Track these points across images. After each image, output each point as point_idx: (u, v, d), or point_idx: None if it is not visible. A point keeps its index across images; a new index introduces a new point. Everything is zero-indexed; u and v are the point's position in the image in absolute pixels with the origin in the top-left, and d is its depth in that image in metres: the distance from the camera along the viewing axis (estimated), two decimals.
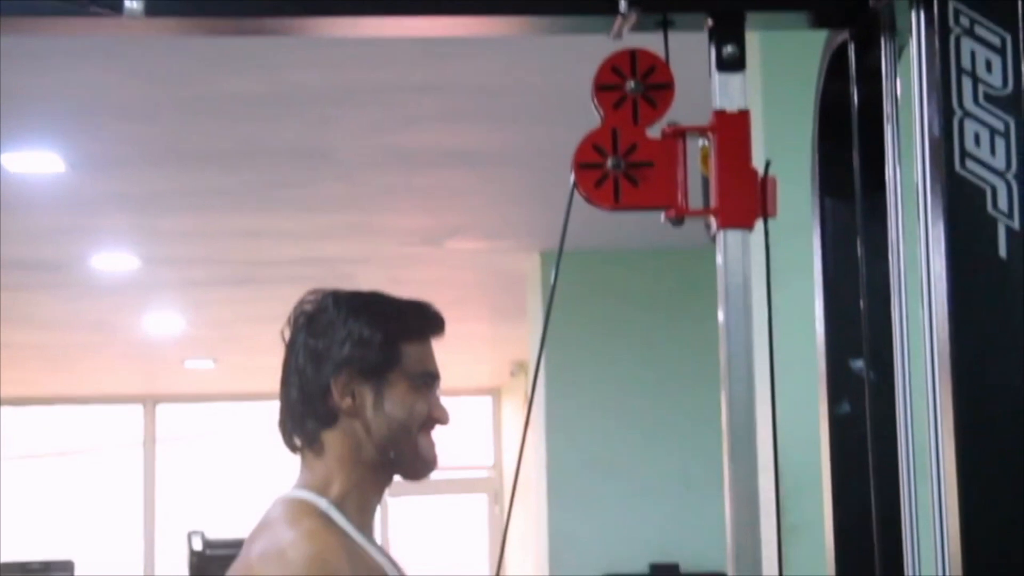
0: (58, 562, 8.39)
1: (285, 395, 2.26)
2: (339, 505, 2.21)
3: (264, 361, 9.02)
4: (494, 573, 9.80)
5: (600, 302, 5.72)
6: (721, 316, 2.46)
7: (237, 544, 5.95)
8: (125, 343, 7.89)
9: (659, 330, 5.76)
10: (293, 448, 2.27)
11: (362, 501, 2.25)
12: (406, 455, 2.24)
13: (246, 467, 9.89)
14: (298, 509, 2.18)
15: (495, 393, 9.67)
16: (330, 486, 2.22)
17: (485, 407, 9.78)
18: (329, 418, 2.22)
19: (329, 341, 2.22)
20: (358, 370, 2.21)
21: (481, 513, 10.06)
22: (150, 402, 9.91)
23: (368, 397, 2.22)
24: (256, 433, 10.03)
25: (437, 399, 2.26)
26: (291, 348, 2.26)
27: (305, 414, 2.23)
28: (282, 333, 2.28)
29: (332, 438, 2.23)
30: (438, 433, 2.27)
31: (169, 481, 10.00)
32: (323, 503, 2.19)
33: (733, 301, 2.39)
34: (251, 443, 10.00)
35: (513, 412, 9.33)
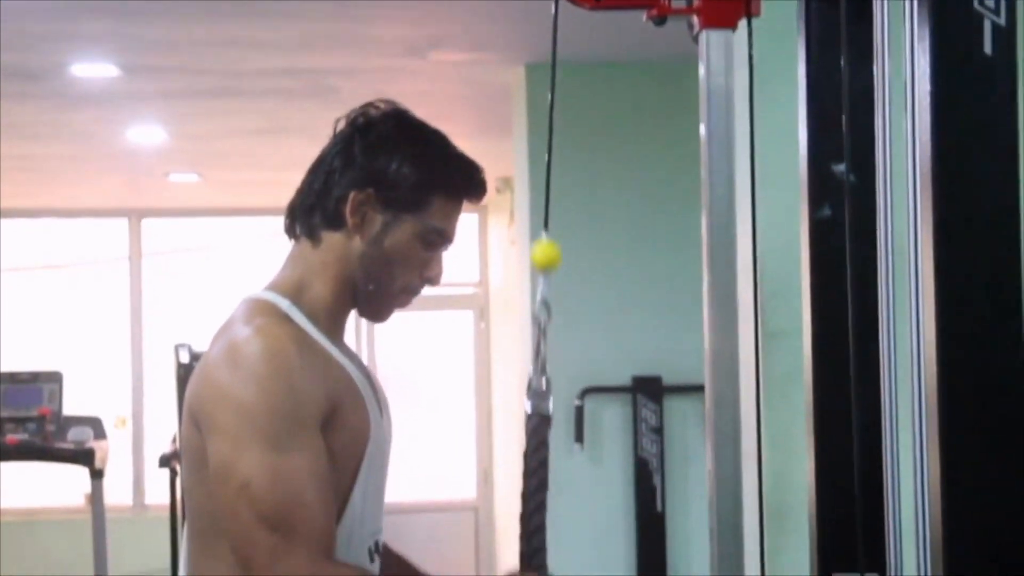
0: (46, 373, 8.45)
1: (307, 183, 2.26)
2: (309, 307, 2.21)
3: (249, 175, 9.03)
4: (481, 400, 9.91)
5: (586, 116, 5.68)
6: (703, 122, 2.45)
7: None
8: (108, 156, 7.84)
9: (646, 143, 5.74)
10: (291, 234, 2.27)
11: (334, 311, 2.26)
12: (379, 296, 2.25)
13: (232, 282, 9.91)
14: (256, 308, 2.19)
15: (481, 210, 9.66)
16: (305, 288, 2.23)
17: (470, 224, 9.78)
18: (335, 222, 2.22)
19: (371, 155, 2.21)
20: (380, 196, 2.20)
21: (467, 329, 10.11)
22: (135, 216, 9.88)
23: (375, 226, 2.21)
24: (241, 248, 10.04)
25: (438, 259, 2.25)
26: (336, 140, 2.26)
27: (316, 206, 2.23)
28: (336, 122, 2.26)
29: (330, 239, 2.23)
30: (418, 295, 2.27)
31: (155, 295, 10.03)
32: (284, 303, 2.19)
33: (715, 105, 2.38)
34: (236, 258, 10.01)
35: (499, 228, 9.33)
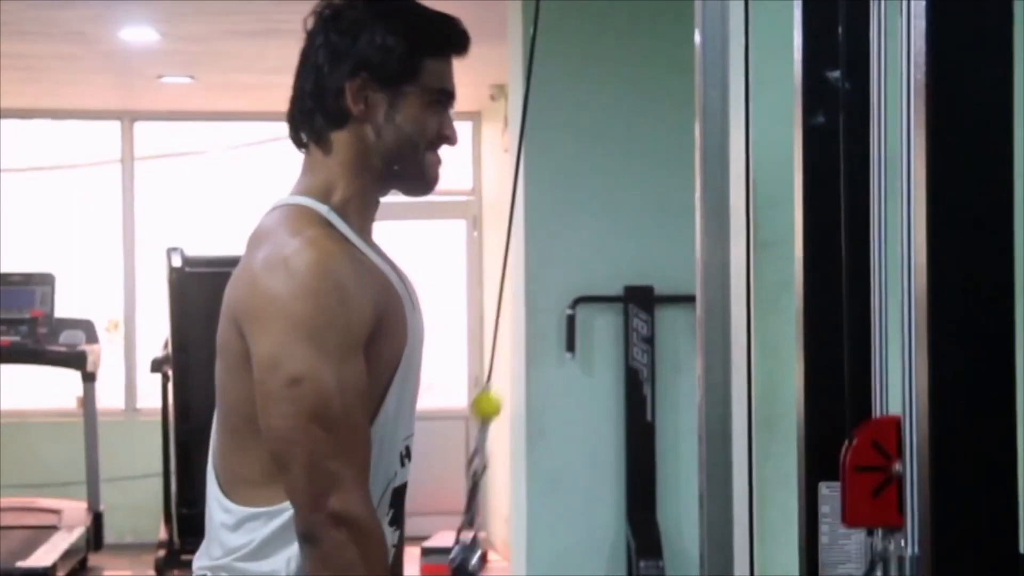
0: (39, 274, 8.44)
1: (298, 88, 2.24)
2: (340, 210, 2.20)
3: (242, 79, 8.95)
4: (471, 302, 9.92)
5: (579, 23, 5.63)
6: (697, 28, 2.43)
7: (216, 262, 6.08)
8: (101, 56, 7.78)
9: (639, 51, 5.70)
10: (299, 143, 2.25)
11: (363, 207, 2.25)
12: (410, 170, 2.23)
13: (225, 187, 9.88)
14: (299, 215, 2.17)
15: (475, 117, 9.61)
16: (332, 191, 2.21)
17: (464, 131, 9.73)
18: (339, 118, 2.20)
19: (351, 40, 2.19)
20: (375, 77, 2.18)
21: (460, 237, 10.10)
22: (127, 118, 9.82)
23: (381, 106, 2.19)
24: (235, 153, 10.00)
25: (449, 118, 2.24)
26: (311, 39, 2.23)
27: (315, 109, 2.21)
28: (304, 21, 2.24)
29: (340, 139, 2.21)
30: (444, 152, 2.26)
31: (148, 199, 10.00)
32: (323, 208, 2.18)
33: (710, 11, 2.36)
34: (230, 163, 9.98)
35: (492, 137, 9.29)
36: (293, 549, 2.10)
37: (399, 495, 2.23)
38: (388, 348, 2.16)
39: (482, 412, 2.27)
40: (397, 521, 2.24)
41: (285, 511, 2.10)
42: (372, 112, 2.19)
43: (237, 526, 2.16)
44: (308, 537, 2.05)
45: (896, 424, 1.67)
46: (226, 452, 2.20)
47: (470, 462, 2.28)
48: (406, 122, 2.20)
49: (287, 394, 2.03)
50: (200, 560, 2.24)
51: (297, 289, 2.06)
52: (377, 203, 2.28)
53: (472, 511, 2.25)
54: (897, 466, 1.68)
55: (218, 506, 2.19)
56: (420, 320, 2.28)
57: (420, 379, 2.28)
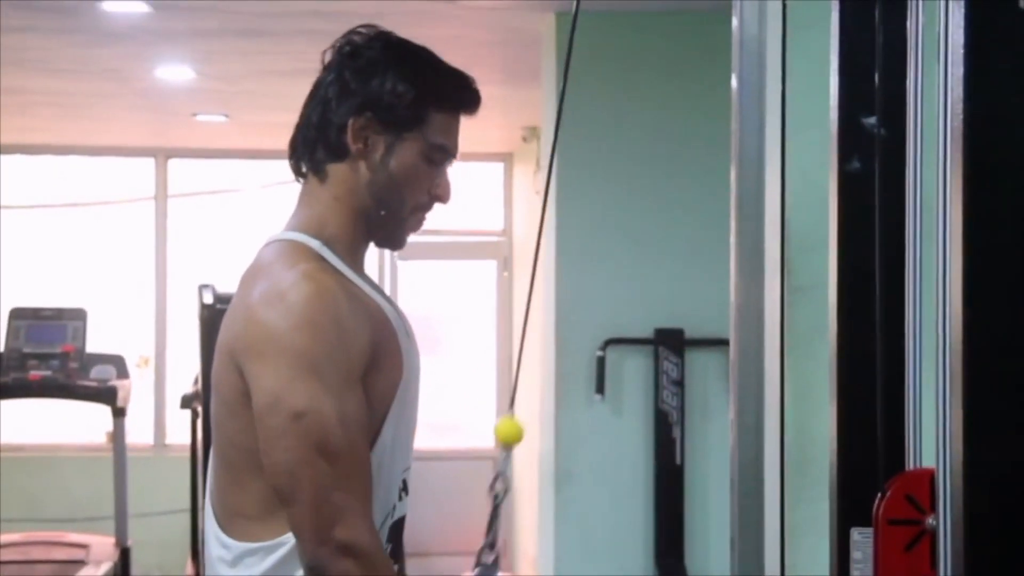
0: (71, 310, 8.47)
1: (305, 117, 2.27)
2: (331, 244, 2.21)
3: (276, 117, 8.97)
4: (505, 349, 9.91)
5: (614, 66, 5.65)
6: (734, 72, 2.43)
7: None
8: (136, 93, 7.83)
9: (674, 95, 5.71)
10: (297, 172, 2.27)
11: (354, 243, 2.26)
12: (392, 218, 2.25)
13: (257, 225, 9.93)
14: (292, 250, 2.19)
15: (507, 159, 9.63)
16: (325, 225, 2.23)
17: (496, 173, 9.76)
18: (338, 152, 2.22)
19: (363, 80, 2.21)
20: (379, 119, 2.20)
21: (490, 278, 10.11)
22: (161, 155, 9.89)
23: (379, 148, 2.21)
24: (267, 191, 10.04)
25: (445, 175, 2.26)
26: (326, 72, 2.26)
27: (318, 140, 2.24)
28: (323, 54, 2.27)
29: (336, 172, 2.24)
30: (433, 213, 2.27)
31: (180, 236, 10.04)
32: (315, 244, 2.20)
33: (747, 55, 2.36)
34: (262, 201, 10.02)
35: (524, 178, 9.31)
36: None
37: (397, 529, 2.24)
38: (384, 380, 2.17)
39: (504, 437, 2.28)
40: (396, 555, 2.25)
41: (282, 546, 2.11)
42: (370, 152, 2.22)
43: (235, 562, 2.17)
44: (316, 570, 2.05)
45: (930, 477, 1.66)
46: (223, 487, 2.21)
47: (492, 485, 2.28)
48: (399, 168, 2.22)
49: (291, 428, 2.04)
50: None
51: (295, 323, 2.07)
52: (366, 243, 2.29)
53: (493, 533, 2.25)
54: (931, 520, 1.67)
55: (216, 541, 2.20)
56: (415, 352, 2.29)
57: (417, 411, 2.29)
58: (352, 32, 2.28)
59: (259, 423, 2.09)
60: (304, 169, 2.27)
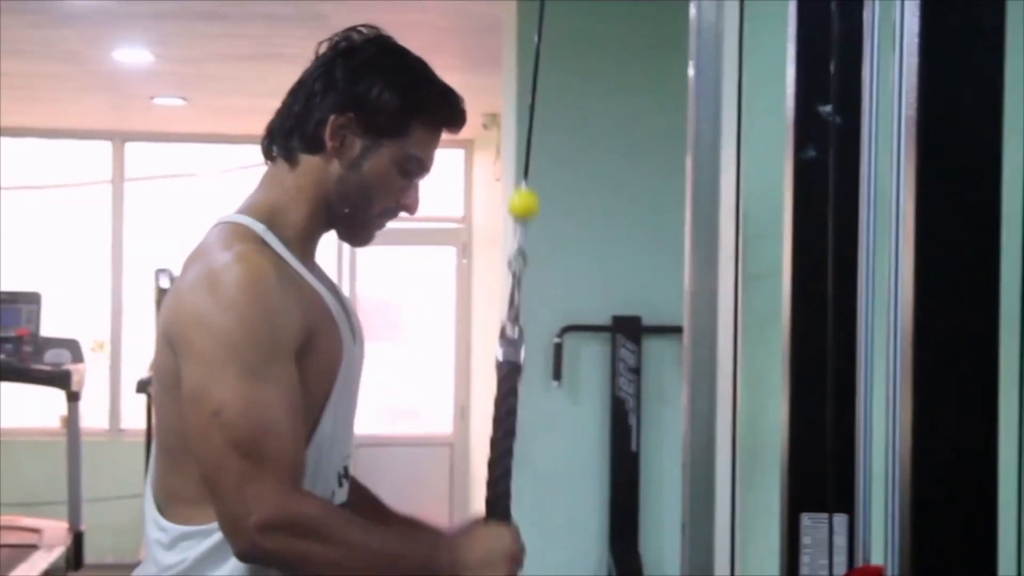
0: (25, 293, 8.43)
1: (287, 105, 2.26)
2: (281, 231, 2.21)
3: (234, 101, 8.95)
4: (460, 335, 9.92)
5: (574, 54, 5.65)
6: (691, 60, 2.44)
7: None
8: (93, 76, 7.78)
9: (633, 83, 5.72)
10: (267, 155, 2.27)
11: (307, 231, 2.26)
12: (357, 220, 2.25)
13: (215, 210, 9.88)
14: (233, 232, 2.19)
15: (467, 146, 9.63)
16: (280, 211, 2.23)
17: (456, 160, 9.76)
18: (313, 145, 2.22)
19: (353, 80, 2.21)
20: (360, 121, 2.20)
21: (449, 265, 10.11)
22: (119, 139, 9.83)
23: (354, 150, 2.21)
24: (225, 175, 10.00)
25: (415, 188, 2.26)
26: (318, 64, 2.26)
27: (295, 129, 2.23)
28: (318, 46, 2.26)
29: (307, 163, 2.24)
30: (394, 221, 2.28)
31: (137, 220, 10.00)
32: (259, 227, 2.19)
33: (704, 44, 2.37)
34: (220, 185, 9.98)
35: (484, 165, 9.31)
36: (227, 568, 2.12)
37: None
38: (320, 366, 2.16)
39: (519, 211, 2.24)
40: None
41: (219, 530, 2.11)
42: (344, 151, 2.22)
43: (171, 544, 2.17)
44: (247, 559, 2.07)
45: (879, 574, 1.68)
46: (162, 471, 2.21)
47: (511, 262, 2.27)
48: (371, 173, 2.22)
49: (212, 424, 2.05)
50: None
51: (221, 304, 2.07)
52: (322, 232, 2.29)
53: (516, 307, 2.24)
54: None
55: (154, 525, 2.21)
56: (360, 346, 2.29)
57: (357, 402, 2.29)
58: (352, 29, 2.27)
59: (185, 414, 2.09)
60: (275, 152, 2.27)
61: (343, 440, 2.25)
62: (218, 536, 2.11)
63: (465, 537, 2.21)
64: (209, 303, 2.08)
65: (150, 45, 7.03)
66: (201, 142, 9.87)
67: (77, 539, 8.74)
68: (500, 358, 2.27)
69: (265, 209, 2.23)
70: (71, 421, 8.77)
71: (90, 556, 9.00)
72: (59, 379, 8.54)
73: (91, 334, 9.80)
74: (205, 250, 2.18)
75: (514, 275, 2.27)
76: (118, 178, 9.90)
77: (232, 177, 9.93)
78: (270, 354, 2.07)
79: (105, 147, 9.86)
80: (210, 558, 2.13)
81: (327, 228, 2.28)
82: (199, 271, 2.13)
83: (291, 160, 2.24)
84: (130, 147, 9.89)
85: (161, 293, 8.25)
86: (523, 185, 2.28)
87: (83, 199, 10.05)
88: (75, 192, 10.06)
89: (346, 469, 2.26)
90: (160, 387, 2.19)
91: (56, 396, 8.92)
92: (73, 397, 8.69)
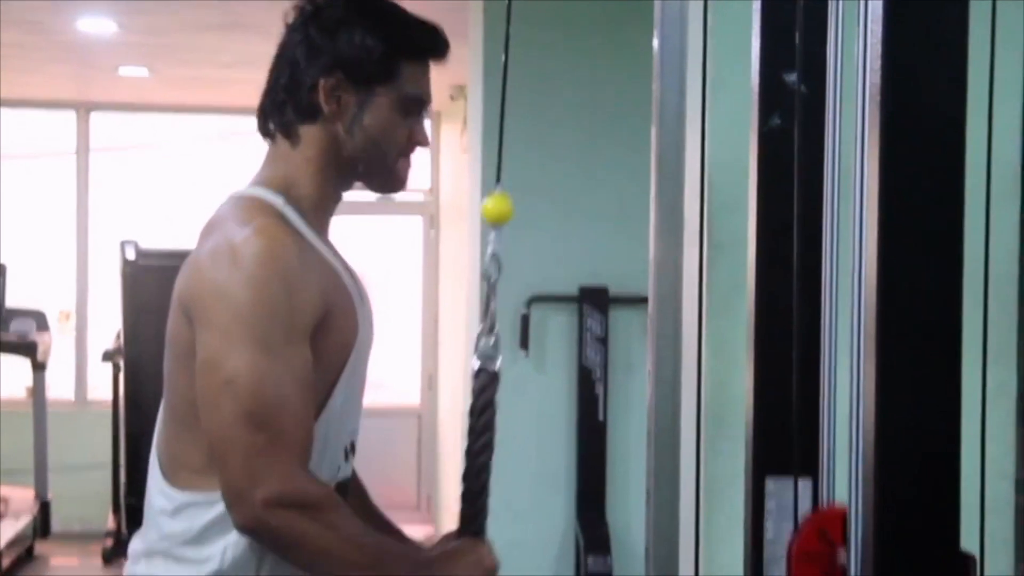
0: None
1: (273, 80, 2.25)
2: (297, 204, 2.20)
3: (200, 73, 8.90)
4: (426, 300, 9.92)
5: (538, 25, 5.65)
6: (656, 30, 2.45)
7: (170, 255, 6.08)
8: (57, 46, 7.73)
9: (599, 53, 5.72)
10: (265, 133, 2.26)
11: (321, 204, 2.25)
12: (376, 171, 2.24)
13: (180, 181, 9.85)
14: (252, 205, 2.18)
15: (434, 118, 9.61)
16: (292, 185, 2.22)
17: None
18: (309, 114, 2.21)
19: (330, 38, 2.19)
20: (349, 76, 2.19)
21: (416, 235, 10.10)
22: (83, 109, 9.78)
23: (351, 107, 2.20)
24: (191, 146, 9.96)
25: (421, 123, 2.25)
26: (290, 34, 2.24)
27: (287, 102, 2.22)
28: (285, 15, 2.25)
29: (308, 134, 2.22)
30: (416, 155, 2.27)
31: (103, 191, 9.95)
32: (279, 201, 2.19)
33: (669, 15, 2.38)
34: (186, 157, 9.94)
35: (451, 137, 9.30)
36: (231, 538, 2.11)
37: (342, 489, 2.25)
38: (335, 343, 2.16)
39: (489, 215, 2.25)
40: None
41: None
42: (343, 112, 2.20)
43: (177, 512, 2.17)
44: (248, 533, 2.06)
45: (842, 516, 1.69)
46: (170, 438, 2.21)
47: (486, 269, 2.27)
48: (374, 125, 2.20)
49: (223, 391, 2.04)
50: (135, 544, 2.25)
51: (241, 278, 2.06)
52: (338, 200, 2.29)
53: (491, 316, 2.25)
54: (842, 556, 1.70)
55: (159, 492, 2.20)
56: (370, 320, 2.29)
57: (366, 377, 2.30)
58: None
59: (197, 383, 2.09)
60: (272, 130, 2.25)
61: (352, 416, 2.25)
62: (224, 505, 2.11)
63: (445, 555, 2.21)
64: (230, 275, 2.07)
65: (114, 15, 6.98)
66: (166, 112, 9.82)
67: (44, 508, 8.73)
68: (476, 367, 2.27)
69: (280, 182, 2.21)
70: (37, 391, 8.75)
71: (57, 525, 8.99)
72: (25, 349, 8.51)
73: (57, 305, 9.76)
74: (222, 221, 2.16)
75: (489, 282, 2.27)
76: (83, 148, 9.85)
77: (197, 148, 9.89)
78: (287, 332, 2.06)
79: (70, 117, 9.81)
80: (216, 526, 2.13)
81: (346, 188, 2.27)
82: (219, 242, 2.12)
83: (291, 136, 2.22)
84: (95, 117, 9.83)
85: (127, 265, 8.22)
86: (497, 189, 2.29)
87: (48, 169, 9.99)
88: (40, 162, 10.00)
89: (353, 444, 2.27)
90: (172, 356, 2.18)
91: (22, 367, 8.89)
92: (39, 367, 8.67)
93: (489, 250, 2.25)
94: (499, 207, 2.25)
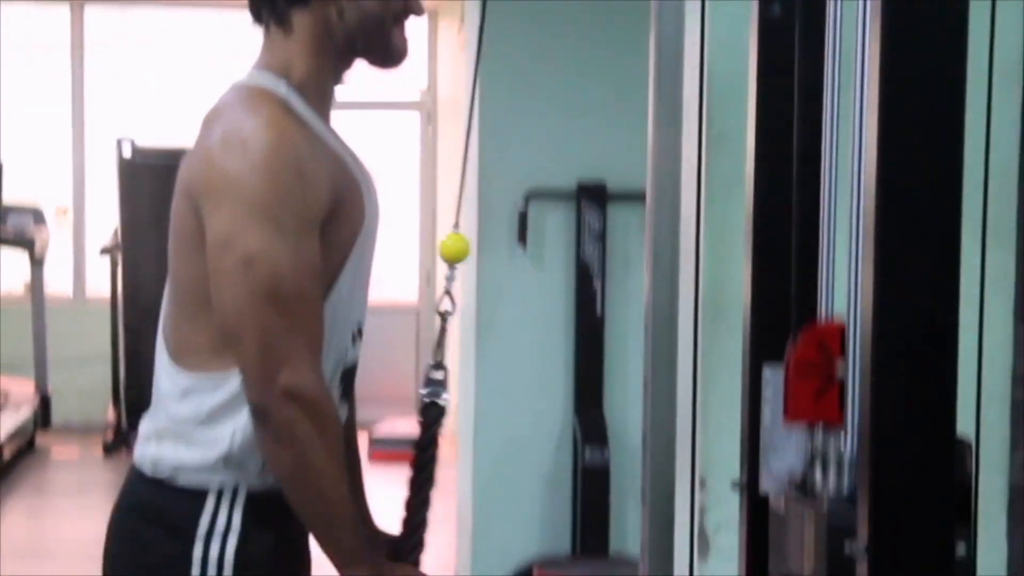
0: None
1: None
2: (299, 90, 2.19)
3: None
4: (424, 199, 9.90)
5: None
6: None
7: (167, 154, 6.09)
8: None
9: None
10: (258, 19, 2.24)
11: (322, 88, 2.24)
12: (375, 46, 2.23)
13: (177, 77, 9.79)
14: (257, 94, 2.17)
15: (432, 14, 9.54)
16: (291, 69, 2.20)
17: (420, 29, 9.67)
18: None
19: None
20: None
21: (413, 132, 10.07)
22: (77, 2, 9.70)
23: None
24: (188, 42, 9.89)
25: None
26: None
27: None
28: None
29: (302, 19, 2.20)
30: (411, 24, 2.25)
31: (98, 86, 9.89)
32: (282, 88, 2.18)
33: None
34: (183, 52, 9.87)
35: (448, 34, 9.24)
36: (240, 421, 2.13)
37: (349, 374, 2.26)
38: (344, 230, 2.17)
39: (449, 255, 2.31)
40: (348, 396, 2.28)
41: (234, 377, 2.11)
42: None
43: (185, 394, 2.18)
44: (259, 413, 2.07)
45: (841, 331, 1.70)
46: (177, 323, 2.21)
47: (439, 304, 2.32)
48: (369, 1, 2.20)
49: (241, 272, 2.04)
50: (145, 425, 2.26)
51: (254, 167, 2.06)
52: (338, 81, 2.28)
53: (441, 351, 2.29)
54: (840, 368, 1.71)
55: (166, 377, 2.21)
56: (376, 205, 2.29)
57: (373, 263, 2.30)
58: None
59: (210, 265, 2.08)
60: (265, 17, 2.23)
61: (360, 300, 2.26)
62: (234, 385, 2.12)
63: (386, 567, 2.22)
64: (241, 163, 2.06)
65: None
66: (162, 5, 9.75)
67: (44, 402, 8.80)
68: (426, 400, 2.31)
69: (281, 70, 2.20)
70: (35, 286, 8.77)
71: (57, 419, 9.06)
72: (23, 244, 8.52)
73: (54, 201, 9.75)
74: (227, 110, 2.15)
75: (443, 317, 2.31)
76: (77, 43, 9.78)
77: (194, 43, 9.82)
78: (300, 221, 2.07)
79: (63, 11, 9.72)
80: (225, 408, 2.14)
81: (346, 68, 2.26)
82: (228, 132, 2.11)
83: (284, 24, 2.21)
84: (89, 10, 9.75)
85: (124, 162, 8.20)
86: (453, 230, 2.37)
87: (43, 64, 9.93)
88: (34, 56, 9.94)
89: (360, 329, 2.28)
90: (178, 243, 2.17)
91: (20, 262, 8.90)
92: (37, 263, 8.68)
93: (446, 286, 2.32)
94: (457, 246, 2.36)
